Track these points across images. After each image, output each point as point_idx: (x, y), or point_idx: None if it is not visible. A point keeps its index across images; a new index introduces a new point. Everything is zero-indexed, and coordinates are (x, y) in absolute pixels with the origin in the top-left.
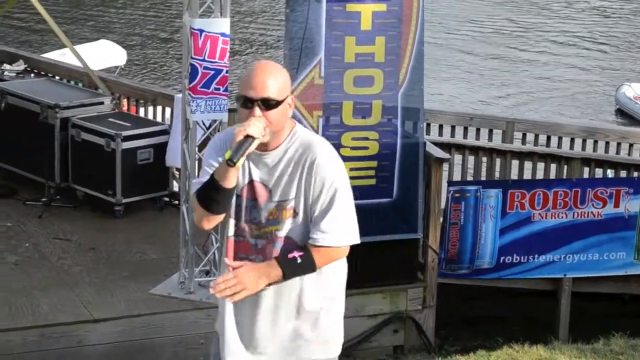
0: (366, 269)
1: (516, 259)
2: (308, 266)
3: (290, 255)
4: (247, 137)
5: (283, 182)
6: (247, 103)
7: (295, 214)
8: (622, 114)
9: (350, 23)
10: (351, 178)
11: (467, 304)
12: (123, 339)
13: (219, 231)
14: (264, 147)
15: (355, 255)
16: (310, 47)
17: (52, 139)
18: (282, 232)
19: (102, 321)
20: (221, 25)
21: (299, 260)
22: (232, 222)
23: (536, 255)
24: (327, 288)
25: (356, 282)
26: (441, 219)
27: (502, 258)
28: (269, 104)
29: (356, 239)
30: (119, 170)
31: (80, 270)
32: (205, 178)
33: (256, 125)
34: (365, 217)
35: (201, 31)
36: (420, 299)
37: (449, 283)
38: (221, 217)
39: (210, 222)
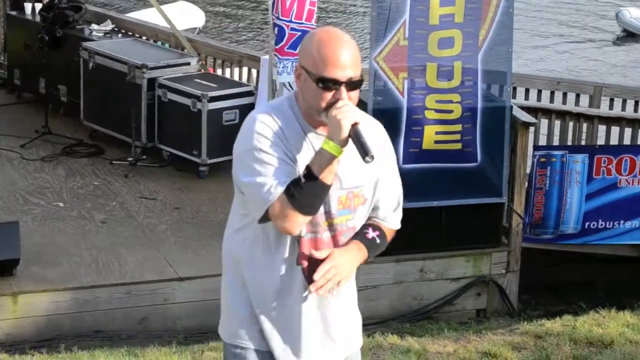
0: (450, 232)
1: (601, 225)
2: (383, 246)
3: (369, 236)
4: (354, 124)
5: (352, 167)
6: (331, 84)
7: (365, 200)
8: (629, 35)
9: None
10: (437, 142)
11: (550, 269)
12: (208, 298)
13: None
14: (324, 127)
15: (440, 219)
16: (396, 8)
17: (139, 99)
18: (353, 222)
19: (187, 279)
20: None
21: (378, 241)
22: None
23: (622, 221)
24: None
25: (440, 245)
26: (526, 184)
27: (587, 224)
28: (354, 85)
29: None
30: (205, 131)
31: (166, 229)
32: (281, 177)
33: (355, 109)
34: (451, 181)
35: None
36: (504, 263)
37: (532, 248)
38: None
39: (302, 225)
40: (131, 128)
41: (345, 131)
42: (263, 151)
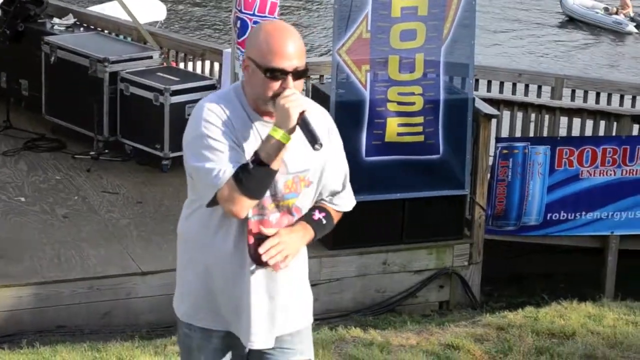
0: (413, 224)
1: (563, 216)
2: (329, 227)
3: (315, 217)
4: (302, 112)
5: (297, 151)
6: (278, 74)
7: (310, 183)
8: (571, 21)
9: None
10: (399, 134)
11: (513, 261)
12: (170, 292)
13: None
14: (270, 115)
15: (402, 211)
16: (358, 1)
17: (101, 93)
18: (299, 203)
19: (149, 274)
20: None
21: (324, 222)
22: None
23: (583, 213)
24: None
25: (403, 237)
26: (488, 176)
27: (549, 215)
28: (300, 74)
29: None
30: (167, 125)
31: (128, 223)
32: (229, 163)
33: (302, 97)
34: (414, 174)
35: None
36: (467, 255)
37: (494, 240)
38: None
39: (249, 209)
40: (93, 122)
41: (294, 119)
42: (211, 138)
